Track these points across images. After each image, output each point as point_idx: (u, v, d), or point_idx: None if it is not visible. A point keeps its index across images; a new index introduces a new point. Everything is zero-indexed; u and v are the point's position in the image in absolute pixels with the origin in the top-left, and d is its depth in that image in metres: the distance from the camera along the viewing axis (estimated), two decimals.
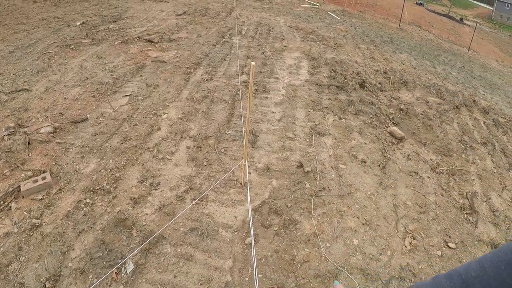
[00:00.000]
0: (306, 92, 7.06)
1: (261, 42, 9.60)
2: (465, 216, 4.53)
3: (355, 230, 3.90)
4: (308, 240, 3.68)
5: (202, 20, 11.15)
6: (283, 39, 10.12)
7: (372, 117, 6.46)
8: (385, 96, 7.51)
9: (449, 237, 4.10)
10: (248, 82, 7.16)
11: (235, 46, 9.09)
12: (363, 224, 4.02)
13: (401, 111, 6.95)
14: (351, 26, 13.44)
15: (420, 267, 3.61)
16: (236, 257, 3.38)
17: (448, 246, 3.96)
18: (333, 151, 5.27)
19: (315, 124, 5.88)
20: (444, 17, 36.05)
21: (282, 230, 3.77)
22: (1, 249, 3.13)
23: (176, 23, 10.51)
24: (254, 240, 3.52)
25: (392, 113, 6.86)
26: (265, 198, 4.19)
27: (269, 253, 3.47)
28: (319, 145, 5.37)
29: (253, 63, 3.62)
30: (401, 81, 8.40)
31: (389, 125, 6.41)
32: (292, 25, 11.71)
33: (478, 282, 0.66)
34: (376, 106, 6.88)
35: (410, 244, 3.84)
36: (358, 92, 7.34)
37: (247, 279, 3.18)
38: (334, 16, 14.53)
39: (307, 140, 5.48)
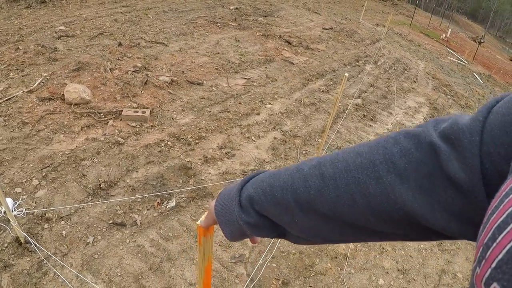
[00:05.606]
0: None
1: (391, 77, 9.36)
2: None
3: (387, 272, 3.62)
4: (336, 257, 3.53)
5: (345, 40, 11.27)
6: (415, 81, 9.71)
7: None
8: None
9: None
10: (359, 106, 7.07)
11: (364, 72, 9.02)
12: (398, 270, 3.70)
13: None
14: (490, 93, 12.27)
15: None
16: (262, 241, 3.42)
17: None
18: None
19: None
20: None
21: None
22: (84, 147, 3.69)
23: (319, 35, 10.81)
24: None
25: None
26: None
27: (293, 251, 3.43)
28: None
29: (346, 74, 3.64)
30: None
31: None
32: (430, 73, 11.15)
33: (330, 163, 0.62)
34: None
35: None
36: None
37: (260, 261, 3.21)
38: (477, 78, 13.42)
39: None
